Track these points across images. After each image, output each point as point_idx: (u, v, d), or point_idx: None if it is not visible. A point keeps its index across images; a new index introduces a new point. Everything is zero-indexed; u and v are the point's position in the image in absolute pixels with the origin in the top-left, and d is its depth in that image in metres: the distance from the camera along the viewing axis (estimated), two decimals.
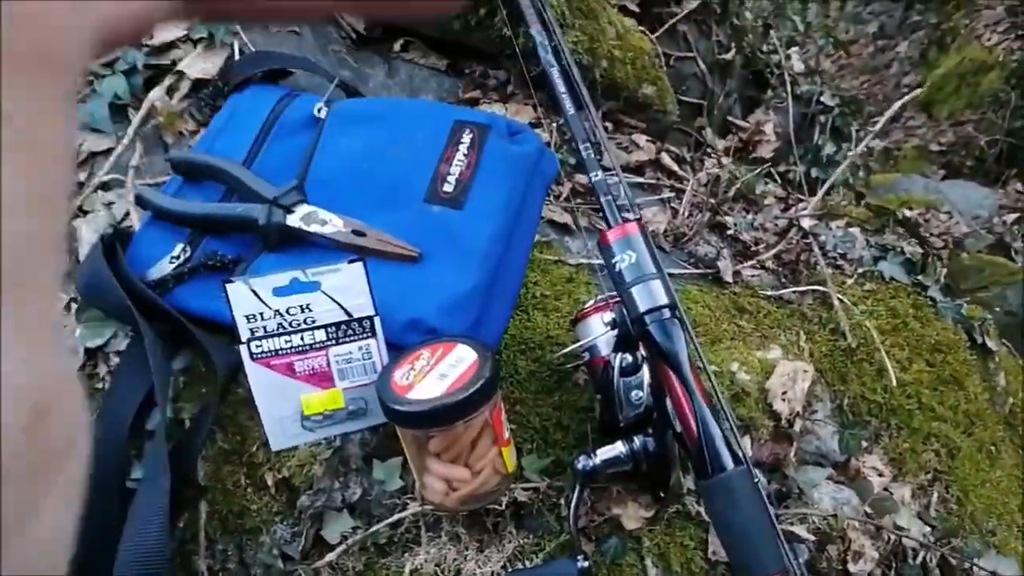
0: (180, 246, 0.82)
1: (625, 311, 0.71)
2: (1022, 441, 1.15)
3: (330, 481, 0.77)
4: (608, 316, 0.74)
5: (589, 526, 0.79)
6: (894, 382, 1.00)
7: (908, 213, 1.30)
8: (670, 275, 0.73)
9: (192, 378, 0.81)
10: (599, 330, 0.76)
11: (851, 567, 0.86)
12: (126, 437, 0.75)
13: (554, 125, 1.08)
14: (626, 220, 0.75)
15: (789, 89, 1.63)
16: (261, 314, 0.72)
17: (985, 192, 2.26)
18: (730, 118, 1.54)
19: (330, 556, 0.76)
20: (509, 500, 0.77)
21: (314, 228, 0.79)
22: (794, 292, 1.07)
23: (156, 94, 0.96)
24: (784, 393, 0.90)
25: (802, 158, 1.59)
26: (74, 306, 0.83)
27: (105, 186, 0.91)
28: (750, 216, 1.17)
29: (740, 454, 0.66)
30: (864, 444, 0.96)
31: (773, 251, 1.12)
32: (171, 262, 0.81)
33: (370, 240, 0.78)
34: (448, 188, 0.81)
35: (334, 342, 0.73)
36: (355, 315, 0.73)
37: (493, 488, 0.72)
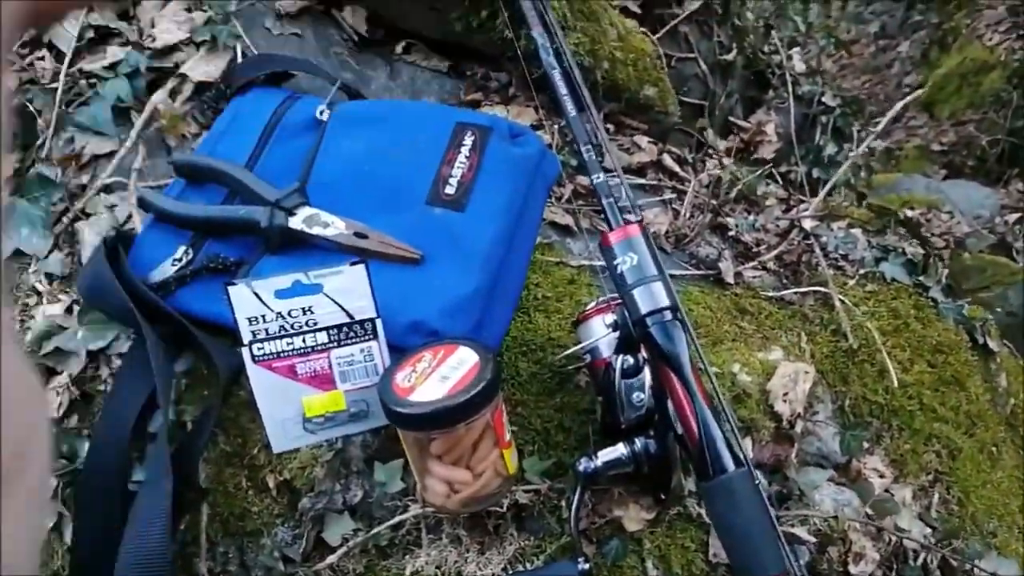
0: (182, 248, 0.82)
1: (627, 313, 0.71)
2: (1023, 442, 1.15)
3: (331, 483, 0.77)
4: (610, 318, 0.74)
5: (590, 528, 0.79)
6: (895, 383, 1.00)
7: (909, 213, 1.29)
8: (671, 276, 0.73)
9: (194, 380, 0.81)
10: (600, 332, 0.76)
11: (852, 569, 0.86)
12: (128, 439, 0.75)
13: (556, 127, 1.08)
14: (628, 222, 0.75)
15: (790, 89, 1.62)
16: (263, 316, 0.72)
17: (987, 192, 2.25)
18: (731, 119, 1.54)
19: (331, 558, 0.76)
20: (510, 502, 0.77)
21: (316, 230, 0.79)
22: (795, 293, 1.07)
23: (159, 97, 0.96)
24: (785, 394, 0.90)
25: (803, 158, 1.59)
26: (76, 308, 0.84)
27: (108, 189, 0.92)
28: (751, 217, 1.17)
29: (741, 456, 0.66)
30: (865, 445, 0.96)
31: (774, 252, 1.12)
32: (173, 264, 0.81)
33: (372, 242, 0.78)
34: (450, 190, 0.81)
35: (336, 344, 0.73)
36: (357, 317, 0.73)
37: (494, 490, 0.72)
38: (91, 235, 0.88)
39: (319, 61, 1.05)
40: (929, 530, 0.95)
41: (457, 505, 0.72)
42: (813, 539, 0.85)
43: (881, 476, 0.95)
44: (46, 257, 0.88)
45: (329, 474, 0.77)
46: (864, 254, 1.15)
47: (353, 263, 0.72)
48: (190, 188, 0.87)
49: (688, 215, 1.13)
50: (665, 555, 0.80)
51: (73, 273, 0.88)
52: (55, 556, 0.82)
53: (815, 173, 1.58)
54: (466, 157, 0.83)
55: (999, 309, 1.47)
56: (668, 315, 0.69)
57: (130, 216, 0.90)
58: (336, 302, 0.72)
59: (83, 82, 0.96)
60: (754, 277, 1.08)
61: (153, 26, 1.01)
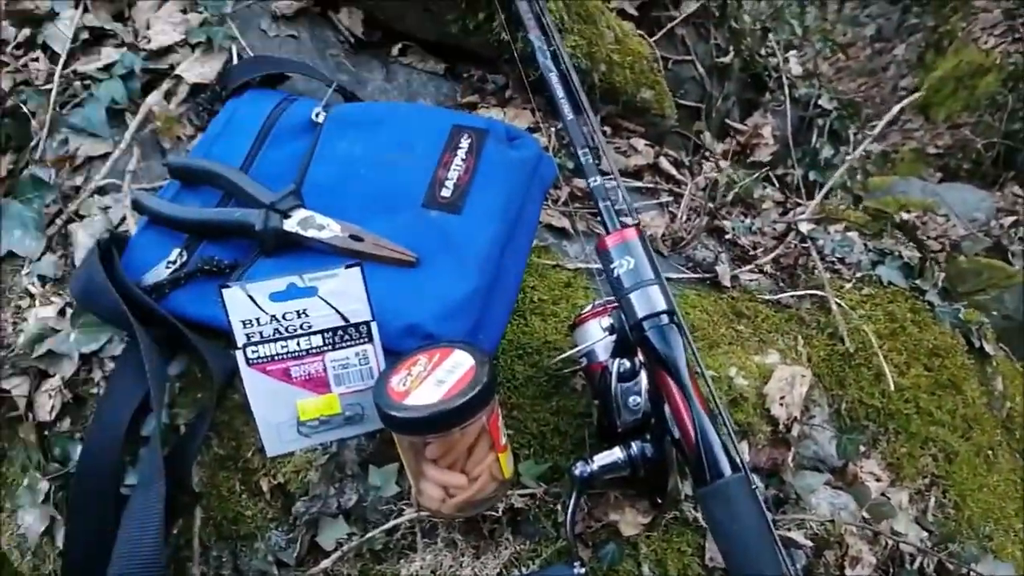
0: (177, 251, 0.82)
1: (623, 316, 0.71)
2: (1019, 445, 1.15)
3: (326, 487, 0.77)
4: (606, 321, 0.74)
5: (586, 532, 0.78)
6: (892, 386, 1.00)
7: (905, 216, 1.29)
8: (668, 279, 0.73)
9: (188, 383, 0.80)
10: (597, 335, 0.76)
11: (848, 573, 0.86)
12: (121, 442, 0.75)
13: (552, 129, 1.08)
14: (624, 225, 0.75)
15: (787, 92, 1.62)
16: (257, 319, 0.71)
17: (982, 195, 2.26)
18: (728, 121, 1.54)
19: (325, 563, 0.76)
20: (506, 506, 0.77)
21: (311, 233, 0.79)
22: (792, 296, 1.07)
23: (154, 99, 0.96)
24: (782, 398, 0.89)
25: (800, 161, 1.59)
26: (69, 311, 0.83)
27: (102, 191, 0.91)
28: (748, 220, 1.17)
29: (738, 460, 0.66)
30: (862, 449, 0.96)
31: (771, 255, 1.12)
32: (167, 267, 0.81)
33: (367, 245, 0.78)
34: (446, 193, 0.81)
35: (331, 347, 0.73)
36: (352, 320, 0.73)
37: (490, 494, 0.72)
38: (84, 237, 0.88)
39: (315, 63, 1.05)
40: (925, 534, 0.95)
41: (452, 509, 0.71)
42: (810, 543, 0.85)
43: (877, 480, 0.94)
44: (39, 259, 0.88)
45: (323, 478, 0.77)
46: (861, 257, 1.15)
47: (348, 266, 0.72)
48: (185, 190, 0.87)
49: (685, 218, 1.13)
50: (661, 559, 0.79)
51: (66, 275, 0.87)
52: (47, 560, 0.82)
53: (811, 176, 1.57)
54: (462, 160, 0.82)
55: (995, 312, 1.48)
56: (665, 319, 0.69)
57: (124, 218, 0.89)
58: (331, 305, 0.72)
59: (77, 83, 0.96)
60: (751, 280, 1.07)
61: (148, 27, 1.01)
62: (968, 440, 1.05)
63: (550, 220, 0.99)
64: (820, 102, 1.68)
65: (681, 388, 0.67)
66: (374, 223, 0.79)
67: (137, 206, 0.85)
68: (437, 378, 0.67)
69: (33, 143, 0.93)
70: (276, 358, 0.73)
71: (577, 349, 0.78)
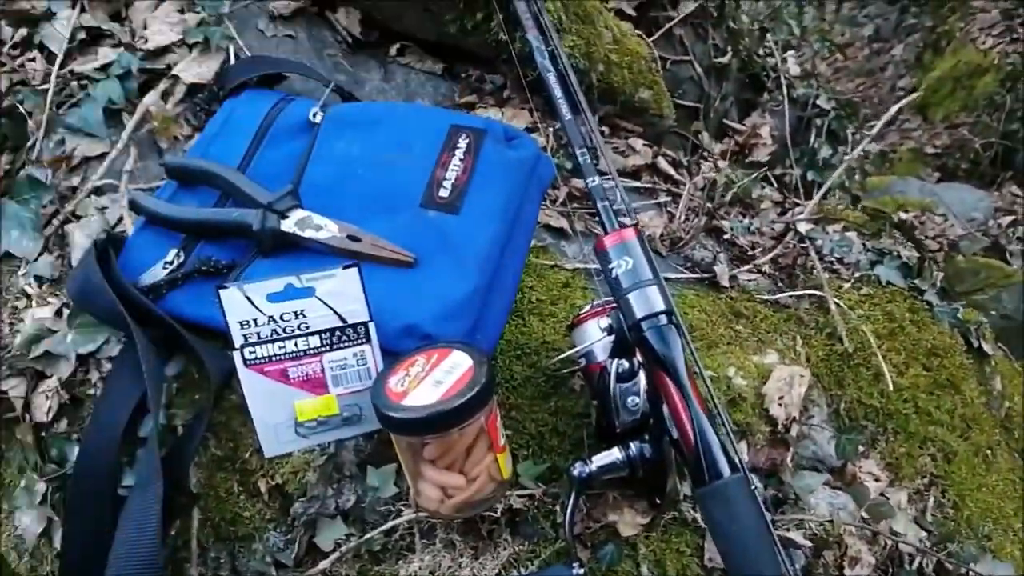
0: (174, 251, 0.82)
1: (622, 317, 0.71)
2: (1018, 445, 1.15)
3: (324, 488, 0.76)
4: (604, 321, 0.74)
5: (585, 533, 0.78)
6: (891, 386, 1.00)
7: (904, 216, 1.30)
8: (666, 279, 0.73)
9: (185, 384, 0.80)
10: (595, 336, 0.76)
11: (848, 573, 0.86)
12: (118, 444, 0.74)
13: (550, 130, 1.08)
14: (623, 225, 0.75)
15: (785, 92, 1.62)
16: (255, 320, 0.71)
17: (980, 195, 2.26)
18: (726, 121, 1.54)
19: (324, 564, 0.75)
20: (504, 507, 0.77)
21: (309, 233, 0.79)
22: (791, 296, 1.07)
23: (151, 98, 0.96)
24: (781, 398, 0.89)
25: (798, 161, 1.59)
26: (66, 311, 0.83)
27: (99, 191, 0.91)
28: (747, 220, 1.17)
29: (737, 461, 0.66)
30: (860, 449, 0.96)
31: (770, 255, 1.12)
32: (165, 267, 0.80)
33: (365, 245, 0.77)
34: (444, 193, 0.81)
35: (328, 348, 0.73)
36: (349, 321, 0.72)
37: (488, 495, 0.71)
38: (81, 237, 0.88)
39: (312, 63, 1.05)
40: (924, 534, 0.95)
41: (451, 510, 0.71)
42: (809, 543, 0.85)
43: (876, 480, 0.94)
44: (36, 260, 0.88)
45: (321, 479, 0.76)
46: (859, 257, 1.15)
47: (346, 266, 0.72)
48: (182, 190, 0.87)
49: (683, 218, 1.12)
50: (660, 560, 0.79)
51: (63, 276, 0.87)
52: (44, 561, 0.81)
53: (810, 176, 1.58)
54: (460, 160, 0.82)
55: (993, 312, 1.48)
56: (663, 319, 0.69)
57: (121, 218, 0.89)
58: (329, 305, 0.72)
59: (74, 83, 0.96)
60: (749, 280, 1.07)
61: (145, 27, 1.00)
62: (967, 440, 1.05)
63: (548, 220, 0.99)
64: (818, 102, 1.68)
65: (680, 388, 0.67)
66: (372, 223, 0.79)
67: (134, 206, 0.84)
68: (435, 379, 0.67)
69: (30, 143, 0.93)
70: (274, 359, 0.72)
71: (575, 349, 0.78)
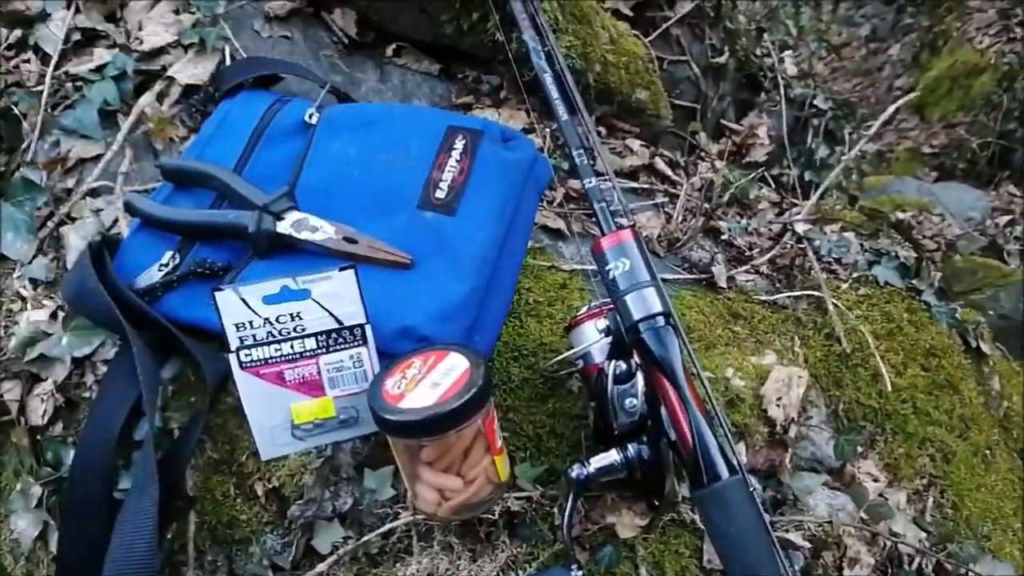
0: (169, 253, 0.81)
1: (619, 318, 0.71)
2: (1017, 445, 1.15)
3: (321, 490, 0.76)
4: (602, 323, 0.74)
5: (583, 535, 0.78)
6: (889, 387, 1.00)
7: (901, 216, 1.30)
8: (664, 280, 0.72)
9: (181, 387, 0.80)
10: (593, 337, 0.75)
11: (847, 573, 0.86)
12: (114, 447, 0.74)
13: (547, 130, 1.07)
14: (620, 227, 0.74)
15: (782, 92, 1.62)
16: (250, 322, 0.71)
17: (978, 194, 2.26)
18: (724, 121, 1.54)
19: (321, 566, 0.75)
20: (502, 509, 0.76)
21: (305, 235, 0.78)
22: (789, 297, 1.06)
23: (146, 100, 0.96)
24: (779, 399, 0.89)
25: (795, 161, 1.59)
26: (61, 314, 0.83)
27: (94, 193, 0.91)
28: (744, 221, 1.17)
29: (735, 463, 0.66)
30: (859, 450, 0.96)
31: (767, 256, 1.12)
32: (160, 270, 0.80)
33: (361, 247, 0.77)
34: (441, 194, 0.80)
35: (325, 350, 0.72)
36: (346, 323, 0.72)
37: (486, 497, 0.71)
38: (76, 240, 0.87)
39: (308, 64, 1.05)
40: (924, 534, 0.94)
41: (448, 512, 0.71)
42: (808, 544, 0.85)
43: (875, 480, 0.94)
44: (30, 262, 0.87)
45: (318, 481, 0.76)
46: (857, 258, 1.15)
47: (342, 268, 0.71)
48: (177, 192, 0.86)
49: (680, 219, 1.12)
50: (659, 561, 0.79)
51: (58, 278, 0.87)
52: (40, 565, 0.81)
53: (807, 176, 1.58)
54: (457, 161, 0.82)
55: (991, 312, 1.48)
56: (661, 321, 0.69)
57: (116, 220, 0.89)
58: (325, 308, 0.71)
59: (69, 85, 0.95)
60: (747, 281, 1.07)
61: (140, 28, 1.00)
62: (965, 440, 1.05)
63: (545, 221, 0.98)
64: (815, 102, 1.68)
65: (677, 390, 0.67)
66: (368, 225, 0.79)
67: (129, 208, 0.84)
68: (432, 381, 0.66)
69: (24, 145, 0.93)
70: (270, 361, 0.72)
71: (573, 351, 0.78)
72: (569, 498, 0.72)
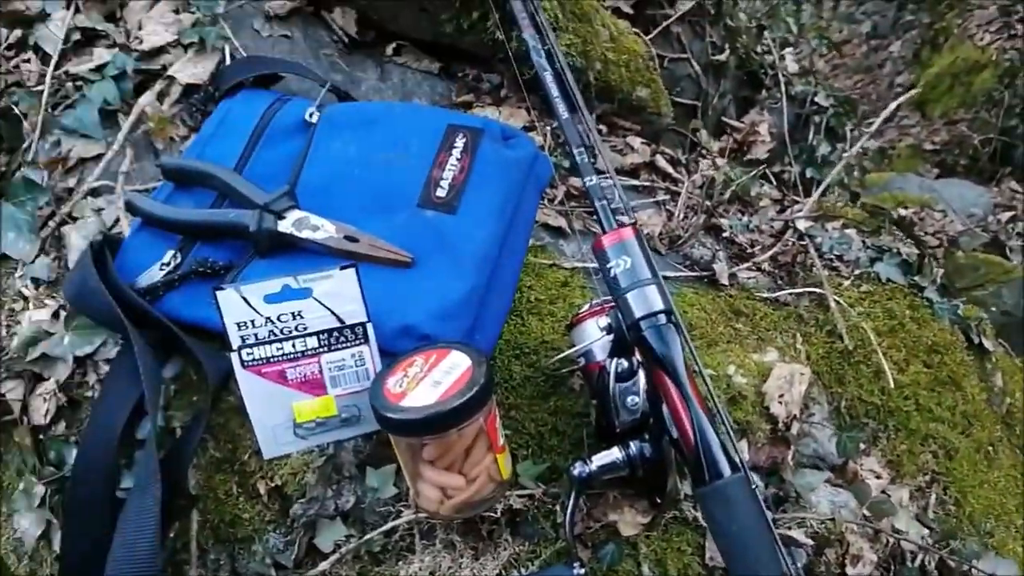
0: (170, 253, 0.81)
1: (621, 316, 0.71)
2: (1019, 441, 1.15)
3: (323, 489, 0.76)
4: (603, 321, 0.73)
5: (585, 533, 0.78)
6: (891, 384, 1.00)
7: (903, 212, 1.29)
8: (665, 278, 0.72)
9: (183, 386, 0.80)
10: (594, 335, 0.75)
11: (849, 571, 0.86)
12: (116, 446, 0.74)
13: (548, 128, 1.07)
14: (621, 224, 0.74)
15: (783, 89, 1.62)
16: (252, 321, 0.71)
17: (979, 190, 2.26)
18: (725, 119, 1.54)
19: (323, 565, 0.75)
20: (504, 507, 0.76)
21: (306, 234, 0.78)
22: (790, 294, 1.06)
23: (146, 99, 0.96)
24: (781, 396, 0.89)
25: (797, 158, 1.59)
26: (63, 314, 0.83)
27: (95, 192, 0.91)
28: (746, 218, 1.17)
29: (737, 460, 0.65)
30: (862, 446, 0.96)
31: (769, 253, 1.11)
32: (161, 269, 0.80)
33: (362, 245, 0.77)
34: (441, 193, 0.80)
35: (326, 349, 0.72)
36: (347, 322, 0.72)
37: (488, 495, 0.71)
38: (78, 239, 0.87)
39: (308, 63, 1.05)
40: (926, 531, 0.94)
41: (450, 511, 0.71)
42: (810, 541, 0.85)
43: (878, 477, 0.94)
44: (32, 262, 0.87)
45: (321, 480, 0.76)
46: (859, 254, 1.15)
47: (343, 267, 0.71)
48: (178, 192, 0.86)
49: (682, 216, 1.12)
50: (661, 559, 0.79)
51: (60, 278, 0.87)
52: (44, 564, 0.81)
53: (808, 173, 1.57)
54: (457, 159, 0.82)
55: (993, 308, 1.48)
56: (662, 319, 0.69)
57: (117, 220, 0.89)
58: (326, 306, 0.71)
59: (69, 84, 0.95)
60: (749, 278, 1.07)
61: (140, 28, 1.00)
62: (968, 436, 1.05)
63: (546, 219, 0.98)
64: (816, 99, 1.68)
65: (679, 388, 0.67)
66: (369, 223, 0.79)
67: (130, 207, 0.84)
68: (434, 379, 0.66)
69: (25, 145, 0.93)
70: (271, 360, 0.72)
71: (574, 349, 0.78)
72: (571, 496, 0.72)
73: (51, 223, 0.89)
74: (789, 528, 0.85)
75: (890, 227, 1.23)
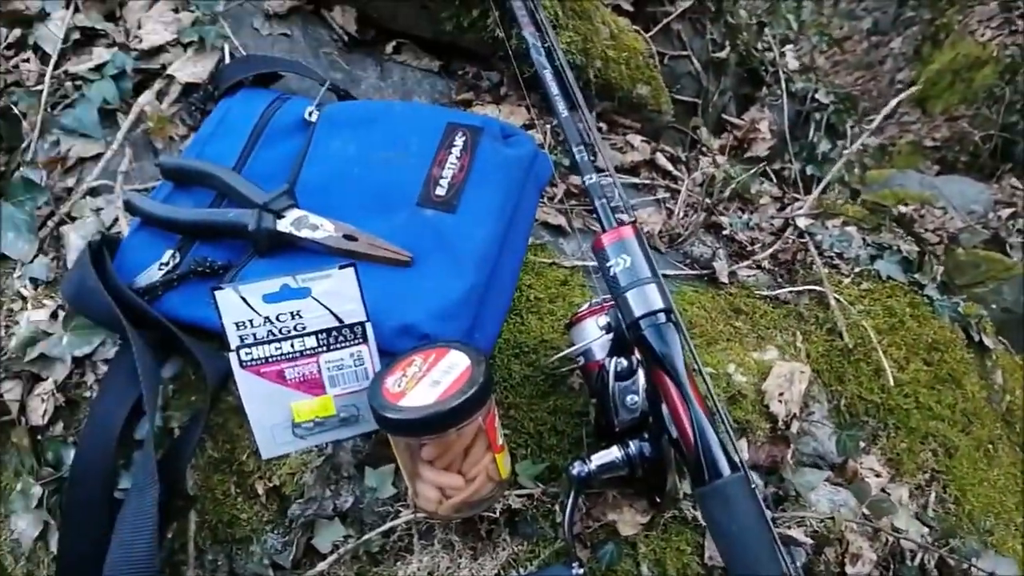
0: (169, 252, 0.81)
1: (620, 315, 0.71)
2: (1019, 439, 1.15)
3: (321, 489, 0.76)
4: (603, 320, 0.73)
5: (584, 532, 0.78)
6: (891, 382, 1.00)
7: (903, 209, 1.29)
8: (665, 276, 0.72)
9: (181, 386, 0.80)
10: (594, 334, 0.75)
11: (849, 569, 0.85)
12: (114, 446, 0.74)
13: (547, 127, 1.07)
14: (621, 223, 0.74)
15: (784, 87, 1.62)
16: (251, 321, 0.71)
17: (980, 187, 2.26)
18: (725, 116, 1.53)
19: (322, 565, 0.75)
20: (503, 507, 0.76)
21: (305, 233, 0.78)
22: (790, 292, 1.06)
23: (146, 99, 0.95)
24: (781, 394, 0.89)
25: (797, 156, 1.58)
26: (61, 314, 0.83)
27: (94, 192, 0.91)
28: (746, 216, 1.17)
29: (737, 460, 0.65)
30: (861, 445, 0.95)
31: (769, 251, 1.11)
32: (160, 268, 0.80)
33: (361, 245, 0.77)
34: (441, 191, 0.80)
35: (325, 348, 0.72)
36: (346, 321, 0.72)
37: (487, 495, 0.71)
38: (76, 239, 0.87)
39: (308, 61, 1.04)
40: (926, 529, 0.94)
41: (449, 510, 0.71)
42: (810, 540, 0.85)
43: (877, 476, 0.94)
44: (31, 262, 0.87)
45: (319, 480, 0.76)
46: (859, 252, 1.14)
47: (342, 266, 0.71)
48: (177, 191, 0.86)
49: (682, 214, 1.12)
50: (660, 559, 0.79)
51: (58, 278, 0.87)
52: (41, 565, 0.81)
53: (809, 170, 1.57)
54: (457, 158, 0.82)
55: (994, 305, 1.48)
56: (662, 317, 0.69)
57: (116, 220, 0.89)
58: (325, 306, 0.71)
59: (68, 84, 0.95)
60: (749, 276, 1.07)
61: (139, 27, 1.00)
62: (968, 434, 1.05)
63: (546, 218, 0.98)
64: (817, 96, 1.68)
65: (679, 387, 0.67)
66: (368, 222, 0.79)
67: (129, 207, 0.84)
68: (433, 379, 0.66)
69: (24, 144, 0.93)
70: (270, 360, 0.72)
71: (574, 348, 0.78)
72: (570, 495, 0.72)
73: (50, 223, 0.89)
74: (789, 527, 0.85)
75: (890, 224, 1.23)
